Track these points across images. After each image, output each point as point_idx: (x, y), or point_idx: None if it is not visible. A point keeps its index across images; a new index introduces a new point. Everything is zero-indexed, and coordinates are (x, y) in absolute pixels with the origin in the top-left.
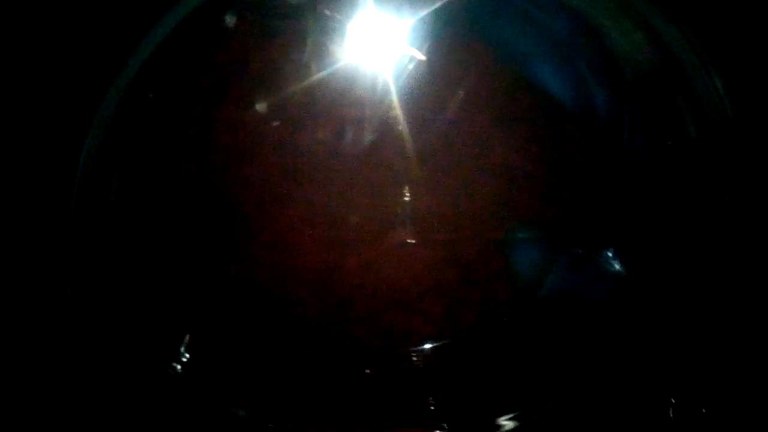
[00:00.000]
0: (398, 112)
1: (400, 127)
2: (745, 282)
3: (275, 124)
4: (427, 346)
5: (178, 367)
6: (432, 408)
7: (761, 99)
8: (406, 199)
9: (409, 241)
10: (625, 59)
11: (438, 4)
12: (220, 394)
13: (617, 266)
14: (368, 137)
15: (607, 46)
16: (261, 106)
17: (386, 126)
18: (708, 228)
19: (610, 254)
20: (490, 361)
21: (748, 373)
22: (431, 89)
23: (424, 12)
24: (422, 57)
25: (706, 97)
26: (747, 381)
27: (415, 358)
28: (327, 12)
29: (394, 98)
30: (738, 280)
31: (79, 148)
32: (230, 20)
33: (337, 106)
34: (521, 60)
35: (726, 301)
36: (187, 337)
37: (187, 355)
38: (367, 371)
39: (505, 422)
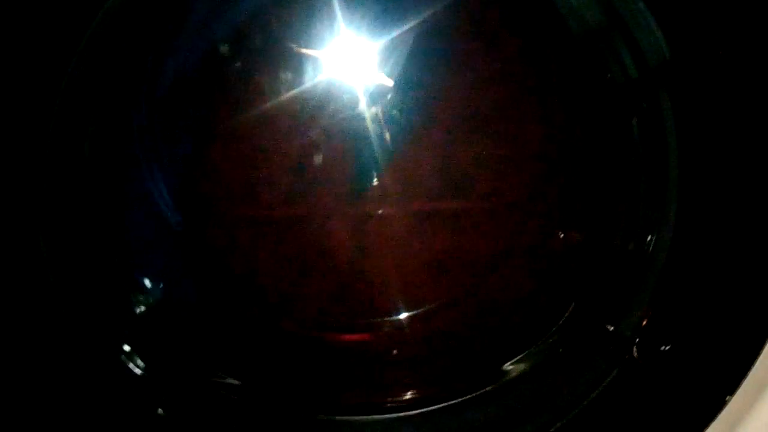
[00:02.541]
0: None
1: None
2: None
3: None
4: (400, 316)
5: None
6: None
7: (695, 45)
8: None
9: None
10: (570, 16)
11: (408, 25)
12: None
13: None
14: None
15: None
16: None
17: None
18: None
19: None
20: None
21: (710, 308)
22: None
23: (396, 33)
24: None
25: (647, 45)
26: (708, 316)
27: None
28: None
29: (368, 113)
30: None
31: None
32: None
33: (311, 123)
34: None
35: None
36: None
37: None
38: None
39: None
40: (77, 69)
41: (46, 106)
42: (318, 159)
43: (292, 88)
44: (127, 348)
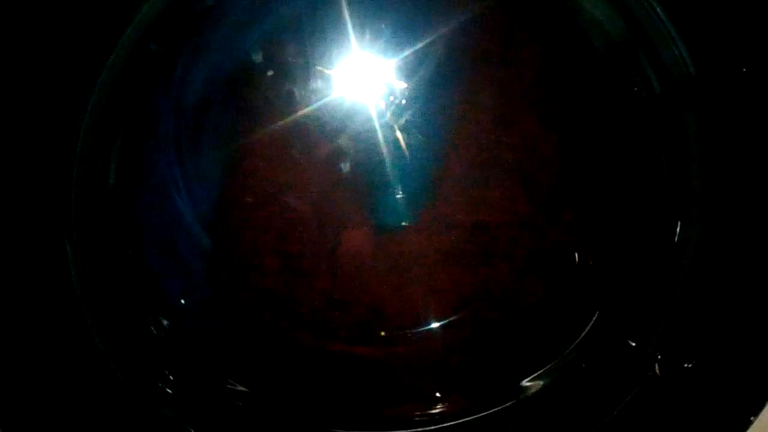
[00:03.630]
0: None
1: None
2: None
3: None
4: (416, 330)
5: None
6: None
7: (721, 62)
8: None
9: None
10: (593, 31)
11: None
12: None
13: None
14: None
15: (579, 20)
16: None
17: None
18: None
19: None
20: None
21: (734, 325)
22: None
23: (408, 51)
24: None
25: (671, 61)
26: (733, 333)
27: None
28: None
29: (382, 130)
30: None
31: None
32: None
33: (324, 139)
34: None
35: (707, 259)
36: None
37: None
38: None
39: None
40: (106, 82)
41: (74, 120)
42: (334, 175)
43: (310, 105)
44: (144, 355)
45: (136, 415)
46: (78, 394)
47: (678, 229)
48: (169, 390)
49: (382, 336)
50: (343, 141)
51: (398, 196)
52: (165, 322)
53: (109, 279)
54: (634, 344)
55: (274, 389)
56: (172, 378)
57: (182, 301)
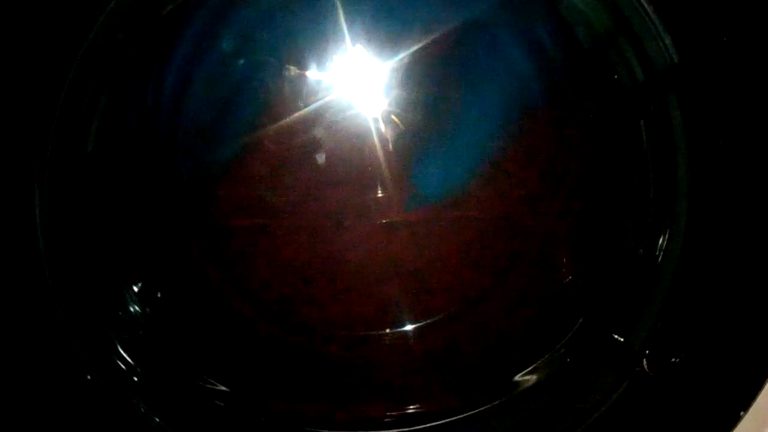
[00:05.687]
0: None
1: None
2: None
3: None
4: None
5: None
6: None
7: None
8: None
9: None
10: (576, 20)
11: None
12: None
13: None
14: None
15: (561, 11)
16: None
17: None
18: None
19: None
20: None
21: (722, 319)
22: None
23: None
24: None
25: (654, 49)
26: (721, 327)
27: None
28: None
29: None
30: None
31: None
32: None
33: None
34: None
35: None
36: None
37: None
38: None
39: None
40: (83, 64)
41: (50, 99)
42: (325, 174)
43: (302, 105)
44: (120, 350)
45: (109, 415)
46: (49, 389)
47: (665, 223)
48: (143, 387)
49: (367, 336)
50: (333, 138)
51: (380, 195)
52: (139, 311)
53: (81, 263)
54: (622, 340)
55: (256, 388)
56: (147, 375)
57: (158, 294)
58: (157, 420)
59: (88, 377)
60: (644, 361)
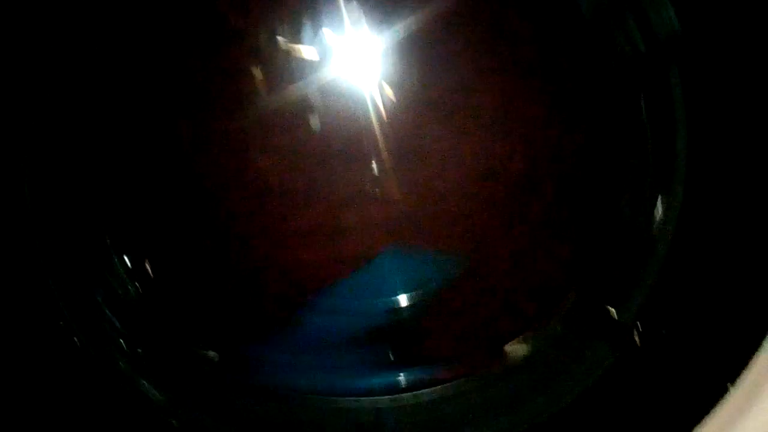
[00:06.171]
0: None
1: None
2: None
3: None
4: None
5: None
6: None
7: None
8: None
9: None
10: None
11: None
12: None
13: None
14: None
15: None
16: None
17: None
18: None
19: None
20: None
21: (713, 292)
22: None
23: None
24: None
25: (657, 19)
26: (712, 301)
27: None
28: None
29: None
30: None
31: None
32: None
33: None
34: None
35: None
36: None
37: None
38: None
39: None
40: None
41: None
42: (319, 149)
43: (295, 85)
44: (110, 317)
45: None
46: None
47: (661, 196)
48: (131, 352)
49: (359, 304)
50: (328, 110)
51: (376, 168)
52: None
53: (69, 225)
54: (614, 312)
55: (246, 355)
56: (135, 340)
57: (147, 260)
58: (145, 383)
59: (76, 341)
60: (635, 333)
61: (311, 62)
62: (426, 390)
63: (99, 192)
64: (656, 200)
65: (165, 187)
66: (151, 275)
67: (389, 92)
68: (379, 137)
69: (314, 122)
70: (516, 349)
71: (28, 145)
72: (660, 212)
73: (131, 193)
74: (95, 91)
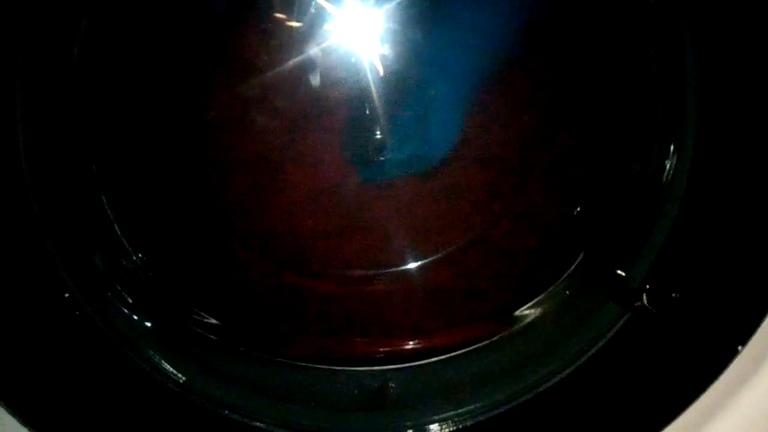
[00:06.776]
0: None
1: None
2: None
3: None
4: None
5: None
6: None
7: None
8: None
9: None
10: None
11: None
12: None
13: None
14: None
15: None
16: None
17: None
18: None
19: None
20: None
21: (723, 255)
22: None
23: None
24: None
25: None
26: (722, 263)
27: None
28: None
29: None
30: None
31: None
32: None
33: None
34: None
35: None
36: None
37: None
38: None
39: None
40: None
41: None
42: (319, 122)
43: (294, 56)
44: (111, 281)
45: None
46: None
47: (672, 147)
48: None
49: (367, 273)
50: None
51: (378, 135)
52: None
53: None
54: (623, 274)
55: (247, 323)
56: (138, 306)
57: (149, 227)
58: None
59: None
60: (644, 295)
61: (311, 29)
62: (437, 358)
63: (96, 157)
64: (666, 155)
65: (163, 154)
66: (151, 243)
67: (388, 55)
68: (377, 103)
69: (315, 84)
70: (526, 314)
71: (28, 106)
72: (670, 167)
73: (129, 160)
74: (91, 55)
